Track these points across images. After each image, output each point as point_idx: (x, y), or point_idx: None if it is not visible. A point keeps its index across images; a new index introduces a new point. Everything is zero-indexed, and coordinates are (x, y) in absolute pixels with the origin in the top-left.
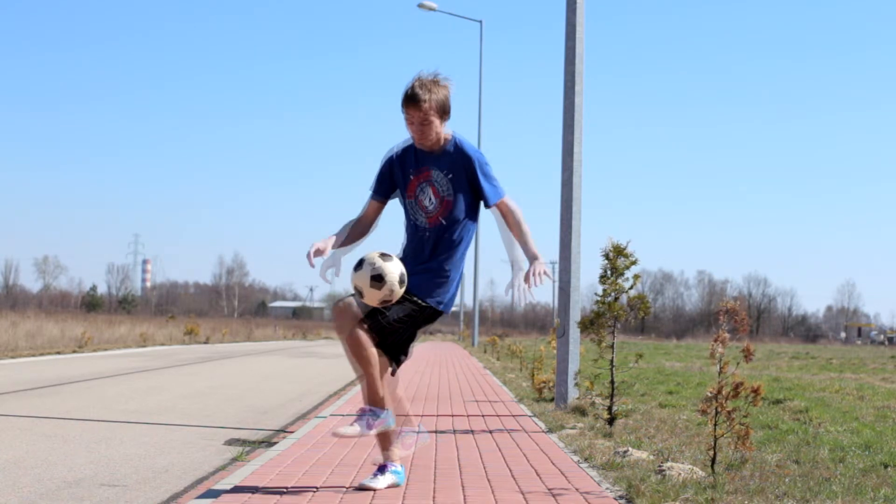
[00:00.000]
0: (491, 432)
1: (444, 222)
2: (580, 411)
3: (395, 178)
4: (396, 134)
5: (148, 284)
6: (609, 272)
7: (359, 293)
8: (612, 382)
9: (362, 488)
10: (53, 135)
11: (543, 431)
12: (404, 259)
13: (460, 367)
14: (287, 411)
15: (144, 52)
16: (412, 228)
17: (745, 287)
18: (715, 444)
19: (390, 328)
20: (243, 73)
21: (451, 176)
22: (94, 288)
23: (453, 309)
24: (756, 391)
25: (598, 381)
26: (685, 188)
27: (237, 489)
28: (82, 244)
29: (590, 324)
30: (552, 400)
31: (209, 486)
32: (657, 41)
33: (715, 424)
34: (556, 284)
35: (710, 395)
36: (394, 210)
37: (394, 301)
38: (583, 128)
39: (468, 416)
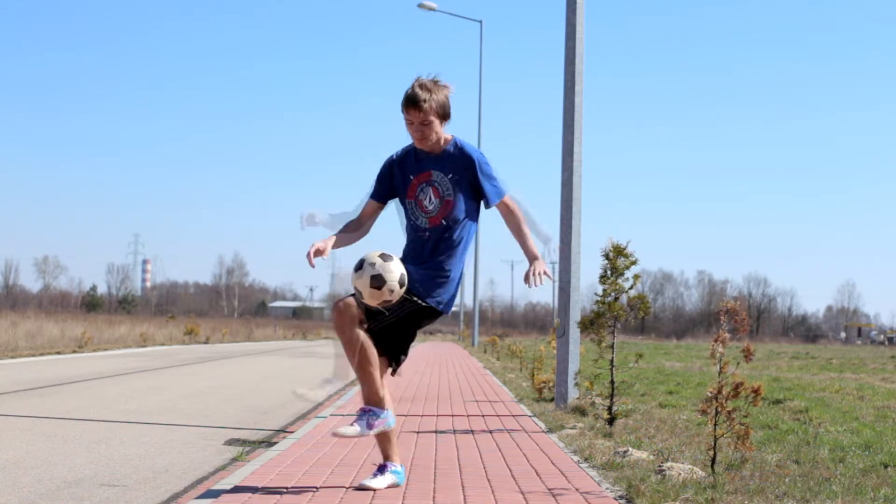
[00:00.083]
0: (491, 432)
1: (444, 223)
2: (580, 411)
3: (394, 179)
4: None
5: (148, 284)
6: (609, 272)
7: (359, 294)
8: (612, 382)
9: (362, 488)
10: (53, 135)
11: (543, 431)
12: (404, 259)
13: (460, 367)
14: (287, 411)
15: (144, 52)
16: (412, 229)
17: (745, 287)
18: (715, 444)
19: (390, 328)
20: (243, 73)
21: (452, 177)
22: (94, 288)
23: (453, 309)
24: (756, 391)
25: (598, 381)
26: (685, 188)
27: (237, 489)
28: (82, 244)
29: (590, 324)
30: (552, 400)
31: (209, 486)
32: (657, 41)
33: (715, 424)
34: (556, 284)
35: (710, 395)
36: (393, 211)
37: (394, 302)
38: (583, 128)
39: (468, 416)
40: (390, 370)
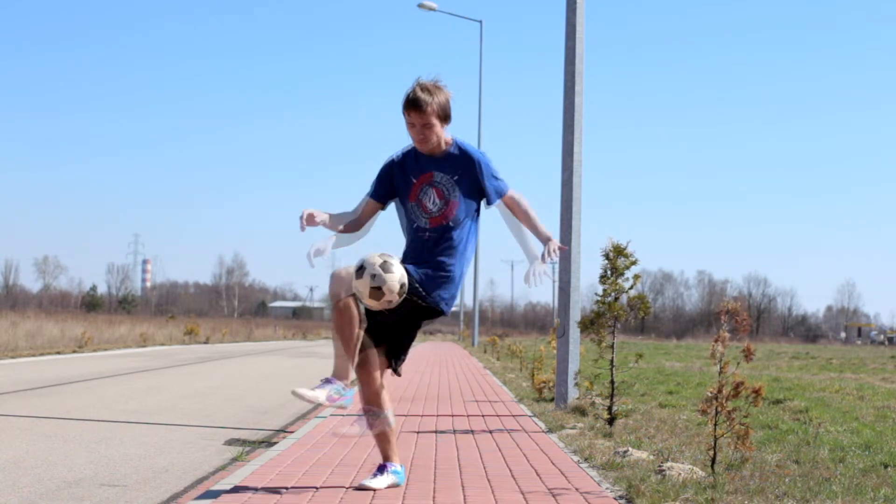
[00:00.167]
0: (491, 432)
1: (447, 223)
2: (580, 411)
3: (395, 181)
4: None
5: (148, 284)
6: (609, 272)
7: (359, 296)
8: (612, 382)
9: (362, 488)
10: (53, 135)
11: (543, 431)
12: (404, 259)
13: (460, 367)
14: (287, 411)
15: (144, 52)
16: (413, 230)
17: (745, 287)
18: (715, 444)
19: (390, 327)
20: (243, 73)
21: (455, 178)
22: (94, 288)
23: (453, 309)
24: (757, 392)
25: (598, 381)
26: (685, 188)
27: (237, 489)
28: (82, 244)
29: (590, 324)
30: (552, 400)
31: (209, 486)
32: (657, 41)
33: (715, 424)
34: (556, 284)
35: (710, 395)
36: (393, 212)
37: (394, 304)
38: (583, 128)
39: (468, 416)
40: (390, 370)
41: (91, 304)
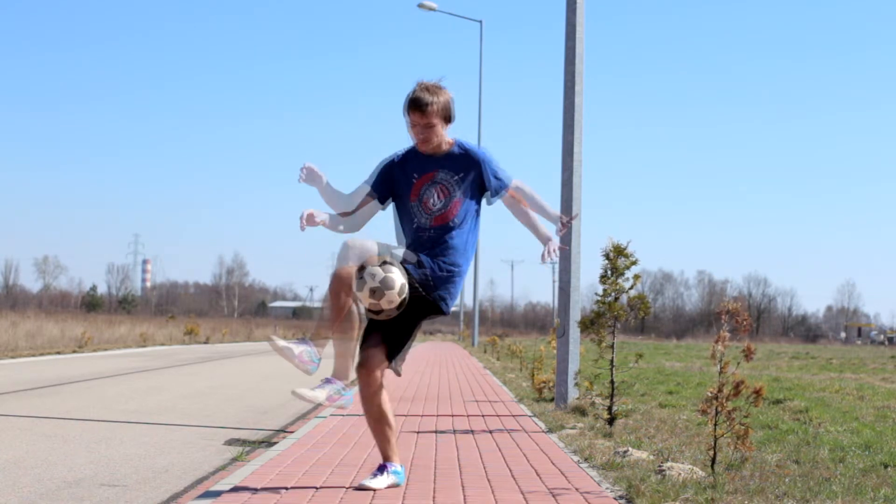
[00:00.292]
0: (491, 432)
1: (449, 223)
2: (580, 411)
3: (395, 179)
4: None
5: (148, 284)
6: (609, 272)
7: (357, 299)
8: (612, 382)
9: (362, 488)
10: (53, 135)
11: (543, 431)
12: (405, 260)
13: (460, 367)
14: (287, 411)
15: (144, 52)
16: (414, 230)
17: (745, 287)
18: (715, 444)
19: (390, 327)
20: (243, 73)
21: (458, 176)
22: (94, 288)
23: (453, 309)
24: (758, 392)
25: (598, 381)
26: (685, 188)
27: (237, 489)
28: (82, 244)
29: (590, 324)
30: (552, 400)
31: (209, 486)
32: (657, 41)
33: (715, 424)
34: (556, 284)
35: (710, 395)
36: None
37: (393, 315)
38: (583, 128)
39: (468, 416)
40: (391, 369)
41: (91, 304)
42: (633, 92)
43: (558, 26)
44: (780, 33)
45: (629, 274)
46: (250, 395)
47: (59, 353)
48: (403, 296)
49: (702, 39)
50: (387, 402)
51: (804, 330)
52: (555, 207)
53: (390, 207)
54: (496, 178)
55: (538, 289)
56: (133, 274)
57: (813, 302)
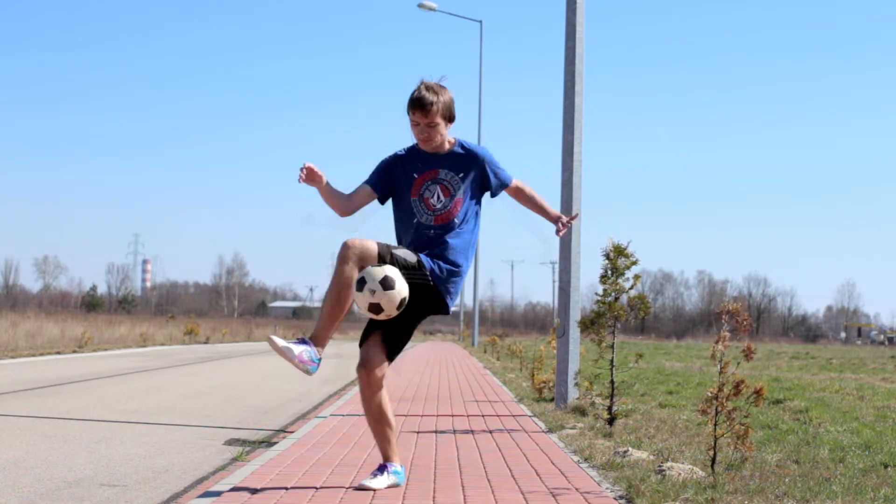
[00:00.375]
0: (491, 432)
1: (452, 221)
2: (580, 411)
3: (395, 178)
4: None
5: (148, 284)
6: (610, 272)
7: (358, 308)
8: (612, 382)
9: (362, 488)
10: (53, 135)
11: (543, 431)
12: (405, 261)
13: (460, 367)
14: (287, 411)
15: (144, 52)
16: (415, 228)
17: (745, 287)
18: (715, 444)
19: (390, 324)
20: (243, 73)
21: (460, 175)
22: (94, 288)
23: (453, 309)
24: (759, 392)
25: (598, 381)
26: (685, 188)
27: (237, 489)
28: (82, 244)
29: (590, 324)
30: (552, 400)
31: (209, 486)
32: (657, 41)
33: (715, 424)
34: (556, 284)
35: (710, 395)
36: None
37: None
38: (583, 128)
39: (468, 416)
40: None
41: (91, 304)
42: (633, 92)
43: (558, 26)
44: (780, 33)
45: (629, 274)
46: (250, 395)
47: (59, 353)
48: (403, 297)
49: (702, 39)
50: (387, 401)
51: (804, 330)
52: (555, 207)
53: (389, 204)
54: (497, 177)
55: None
56: (133, 274)
57: (813, 302)
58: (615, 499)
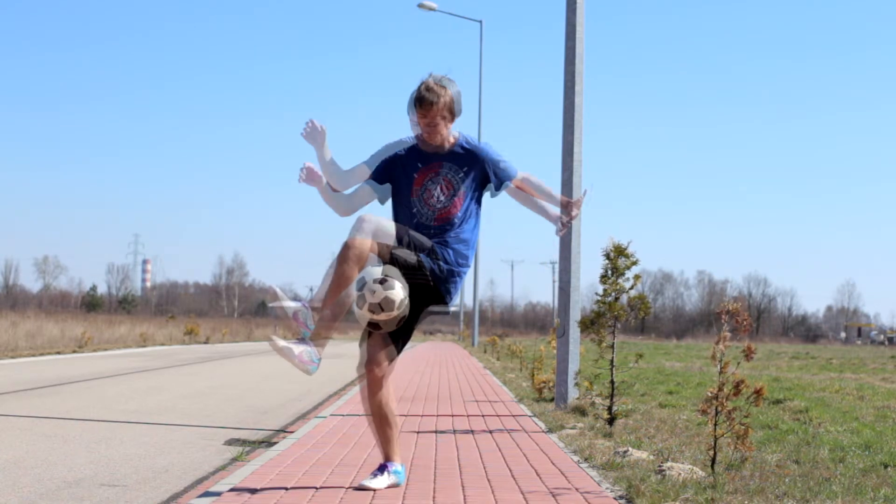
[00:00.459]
0: (491, 432)
1: (453, 218)
2: (580, 411)
3: (395, 176)
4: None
5: (148, 284)
6: (610, 272)
7: (357, 312)
8: (612, 382)
9: (362, 488)
10: (53, 135)
11: (543, 431)
12: (405, 261)
13: (460, 367)
14: (287, 411)
15: (144, 52)
16: (415, 227)
17: (745, 287)
18: (715, 444)
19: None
20: (243, 73)
21: (461, 174)
22: (94, 288)
23: (453, 309)
24: (759, 392)
25: (598, 381)
26: (685, 188)
27: (237, 489)
28: (82, 244)
29: (590, 324)
30: (552, 400)
31: (209, 486)
32: (657, 41)
33: (715, 424)
34: (556, 284)
35: (710, 394)
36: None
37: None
38: (583, 128)
39: (468, 416)
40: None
41: (91, 304)
42: (633, 92)
43: (558, 26)
44: (780, 33)
45: (629, 274)
46: (250, 395)
47: (59, 353)
48: (403, 297)
49: (702, 39)
50: (389, 401)
51: (804, 330)
52: (555, 209)
53: (388, 203)
54: (499, 174)
55: (538, 289)
56: (133, 274)
57: (813, 302)
58: (615, 499)
